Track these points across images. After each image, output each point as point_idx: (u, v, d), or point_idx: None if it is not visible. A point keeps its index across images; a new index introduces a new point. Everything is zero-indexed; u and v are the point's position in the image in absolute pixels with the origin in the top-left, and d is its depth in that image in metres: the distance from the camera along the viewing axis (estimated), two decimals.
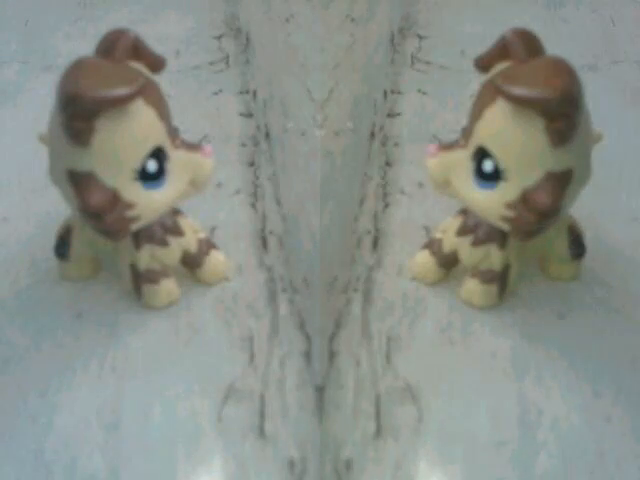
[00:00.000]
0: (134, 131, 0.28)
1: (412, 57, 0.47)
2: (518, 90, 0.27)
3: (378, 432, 0.29)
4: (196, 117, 0.42)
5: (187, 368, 0.31)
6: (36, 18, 0.50)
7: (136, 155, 0.29)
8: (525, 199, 0.29)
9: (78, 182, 0.29)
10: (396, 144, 0.41)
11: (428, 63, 0.46)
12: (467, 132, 0.29)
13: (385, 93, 0.44)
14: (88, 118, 0.28)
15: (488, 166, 0.29)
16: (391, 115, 0.43)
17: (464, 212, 0.33)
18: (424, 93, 0.44)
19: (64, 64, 0.28)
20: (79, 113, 0.28)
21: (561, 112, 0.27)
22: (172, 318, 0.33)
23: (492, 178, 0.29)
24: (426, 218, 0.37)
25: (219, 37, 0.48)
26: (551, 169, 0.28)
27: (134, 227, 0.30)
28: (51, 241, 0.33)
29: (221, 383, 0.30)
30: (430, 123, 0.42)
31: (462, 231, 0.32)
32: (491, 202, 0.29)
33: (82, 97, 0.27)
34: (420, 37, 0.48)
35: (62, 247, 0.33)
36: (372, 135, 0.41)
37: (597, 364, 0.31)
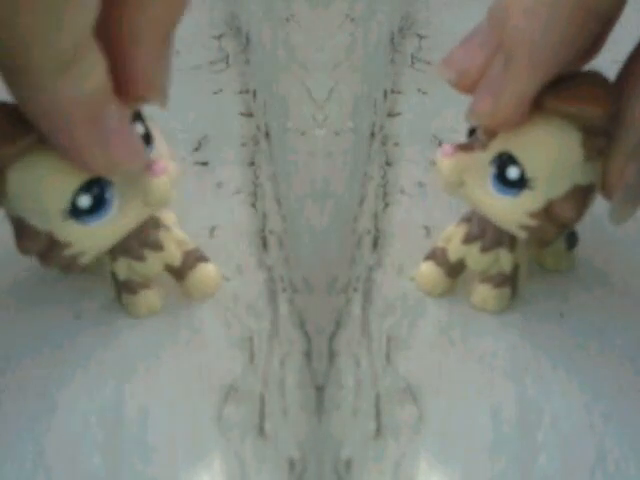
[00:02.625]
0: (52, 173, 0.26)
1: (412, 57, 0.47)
2: (561, 103, 0.26)
3: (378, 432, 0.29)
4: (196, 117, 0.42)
5: (187, 368, 0.31)
6: None
7: (60, 196, 0.27)
8: (550, 210, 0.28)
9: (14, 225, 0.28)
10: (396, 144, 0.41)
11: (428, 63, 0.46)
12: (488, 135, 0.28)
13: (385, 93, 0.44)
14: None
15: (513, 173, 0.28)
16: (391, 115, 0.43)
17: (467, 219, 0.32)
18: (424, 93, 0.44)
19: None
20: None
21: (603, 129, 0.27)
22: (172, 318, 0.33)
23: (515, 185, 0.28)
24: (426, 218, 0.37)
25: (219, 37, 0.48)
26: (578, 182, 0.28)
27: (85, 261, 0.29)
28: None
29: (221, 383, 0.30)
30: (430, 123, 0.42)
31: (468, 238, 0.32)
32: (511, 210, 0.28)
33: None
34: (420, 37, 0.48)
35: None
36: (372, 135, 0.41)
37: (597, 364, 0.31)
